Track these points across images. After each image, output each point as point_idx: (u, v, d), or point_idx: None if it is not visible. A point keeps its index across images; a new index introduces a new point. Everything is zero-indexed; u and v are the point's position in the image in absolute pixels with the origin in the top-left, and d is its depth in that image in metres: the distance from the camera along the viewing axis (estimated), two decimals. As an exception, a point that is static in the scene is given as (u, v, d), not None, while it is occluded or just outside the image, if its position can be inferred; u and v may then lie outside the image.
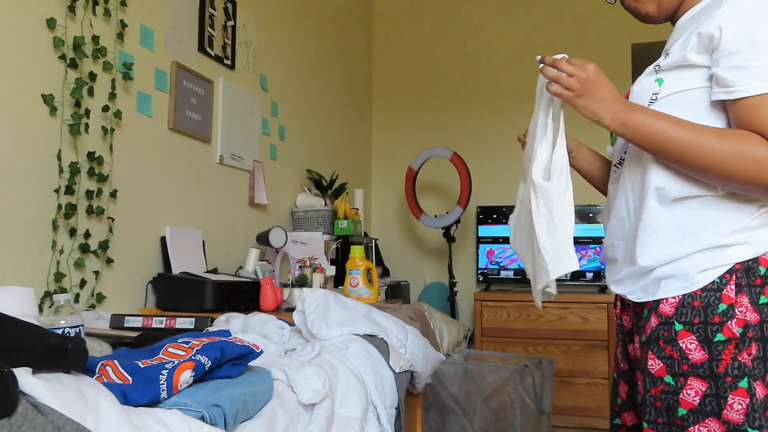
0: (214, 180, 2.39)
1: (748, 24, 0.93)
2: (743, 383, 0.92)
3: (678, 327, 0.97)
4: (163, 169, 2.08)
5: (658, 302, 1.00)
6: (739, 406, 0.92)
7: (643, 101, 1.04)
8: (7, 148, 1.53)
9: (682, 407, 0.95)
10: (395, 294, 3.20)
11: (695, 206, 0.99)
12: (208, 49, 2.35)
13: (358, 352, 1.38)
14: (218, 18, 2.42)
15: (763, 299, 0.95)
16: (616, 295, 1.17)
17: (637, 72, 4.02)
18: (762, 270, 0.96)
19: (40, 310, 1.54)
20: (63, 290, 1.66)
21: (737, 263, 0.96)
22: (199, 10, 2.30)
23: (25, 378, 0.66)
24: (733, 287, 0.95)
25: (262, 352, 1.03)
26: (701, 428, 0.94)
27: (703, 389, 0.94)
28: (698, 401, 0.94)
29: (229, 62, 2.48)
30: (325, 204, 2.99)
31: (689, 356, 0.95)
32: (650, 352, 0.99)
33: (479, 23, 4.10)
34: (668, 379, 0.97)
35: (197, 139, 2.27)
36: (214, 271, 2.20)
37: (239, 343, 0.97)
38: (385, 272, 3.68)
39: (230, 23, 2.50)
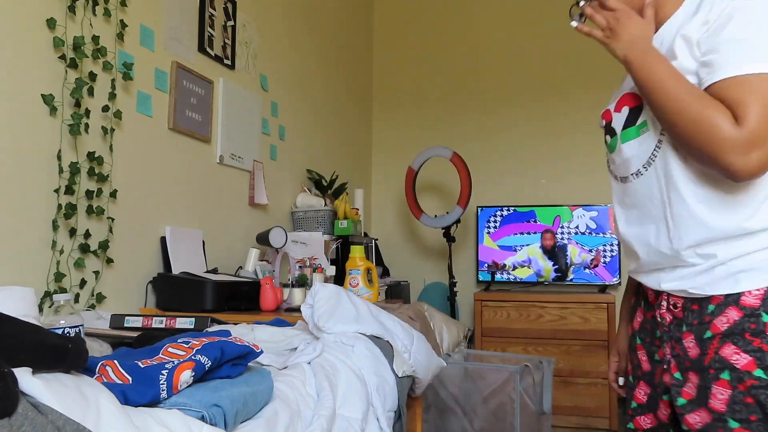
0: (214, 180, 2.39)
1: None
2: None
3: (766, 318, 0.95)
4: (163, 169, 2.08)
5: (738, 295, 0.97)
6: None
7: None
8: (7, 148, 1.53)
9: None
10: (395, 294, 3.20)
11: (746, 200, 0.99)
12: (208, 49, 2.35)
13: (363, 352, 1.37)
14: (218, 18, 2.42)
15: None
16: (642, 295, 1.15)
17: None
18: None
19: (40, 310, 1.54)
20: (63, 290, 1.66)
21: None
22: (199, 10, 2.30)
23: (25, 378, 0.66)
24: None
25: (262, 352, 1.03)
26: None
27: None
28: None
29: (229, 62, 2.48)
30: (325, 204, 2.99)
31: None
32: (734, 347, 0.97)
33: (479, 23, 4.10)
34: (758, 372, 0.94)
35: (197, 139, 2.27)
36: (214, 271, 2.20)
37: (239, 343, 0.97)
38: (385, 272, 3.68)
39: (230, 23, 2.50)
